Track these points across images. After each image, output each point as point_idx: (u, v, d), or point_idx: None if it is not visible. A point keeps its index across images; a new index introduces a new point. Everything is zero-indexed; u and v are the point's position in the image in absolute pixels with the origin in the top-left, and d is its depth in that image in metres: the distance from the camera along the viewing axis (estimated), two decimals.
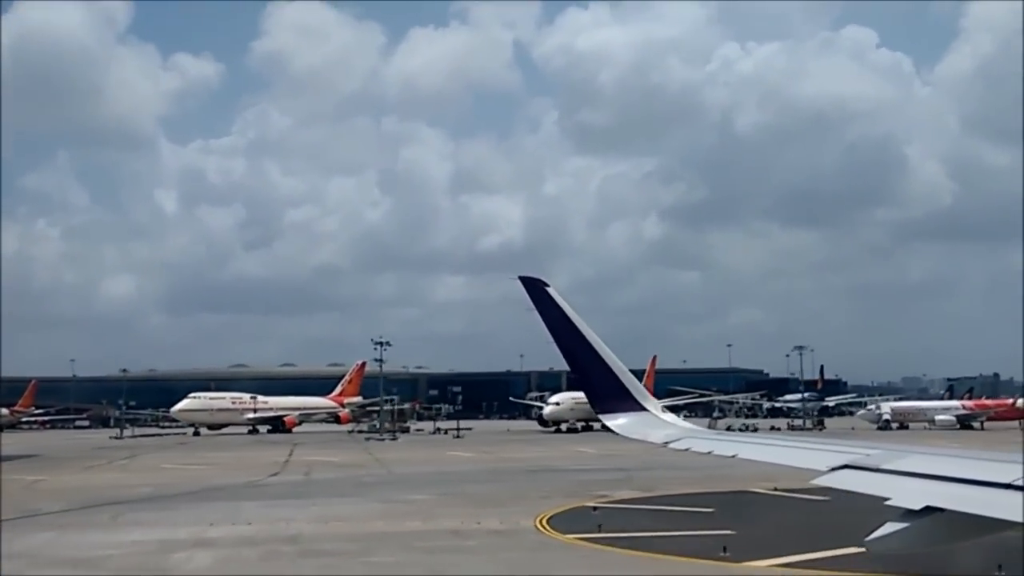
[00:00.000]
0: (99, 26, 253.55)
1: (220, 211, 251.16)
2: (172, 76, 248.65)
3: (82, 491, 37.31)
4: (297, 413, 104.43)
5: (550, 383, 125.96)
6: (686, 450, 10.11)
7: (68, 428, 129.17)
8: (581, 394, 74.97)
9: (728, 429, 55.81)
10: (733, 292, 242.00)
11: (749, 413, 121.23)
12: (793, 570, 18.97)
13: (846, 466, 7.64)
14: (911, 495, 6.40)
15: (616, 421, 11.60)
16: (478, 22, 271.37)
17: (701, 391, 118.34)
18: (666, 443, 10.45)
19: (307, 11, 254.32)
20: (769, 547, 20.95)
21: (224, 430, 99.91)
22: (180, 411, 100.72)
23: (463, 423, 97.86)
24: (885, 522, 6.23)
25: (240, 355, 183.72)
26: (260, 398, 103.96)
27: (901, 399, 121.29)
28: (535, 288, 11.89)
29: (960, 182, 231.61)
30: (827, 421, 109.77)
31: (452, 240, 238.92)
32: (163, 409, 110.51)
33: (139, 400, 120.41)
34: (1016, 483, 5.99)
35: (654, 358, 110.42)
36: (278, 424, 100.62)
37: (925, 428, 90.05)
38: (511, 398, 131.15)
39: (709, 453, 9.70)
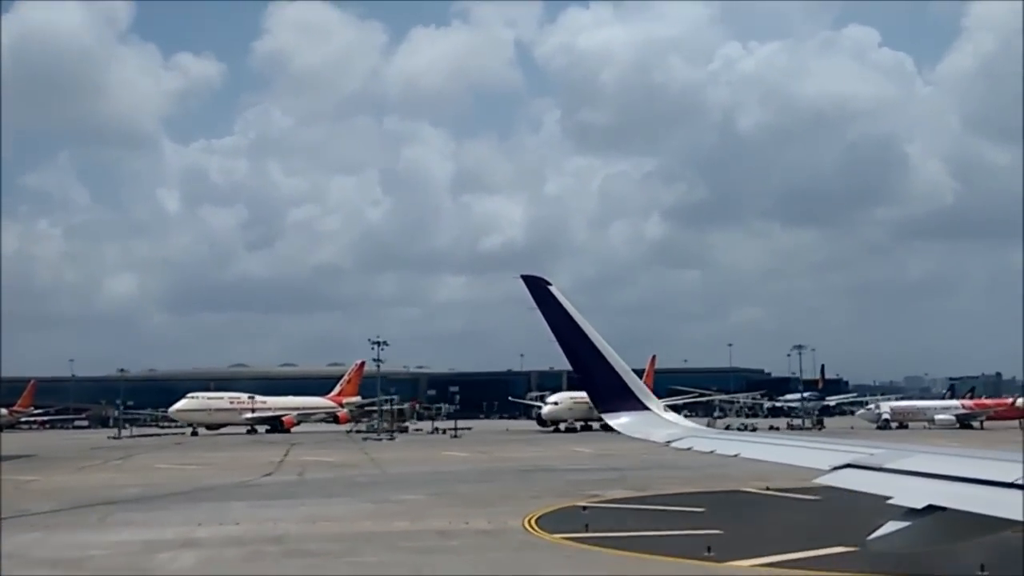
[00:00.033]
0: (100, 26, 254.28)
1: (222, 210, 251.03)
2: (174, 76, 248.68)
3: (74, 491, 37.28)
4: (295, 413, 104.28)
5: (550, 383, 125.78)
6: (688, 449, 10.13)
7: (67, 428, 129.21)
8: (580, 394, 76.20)
9: (727, 429, 55.66)
10: (734, 291, 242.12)
11: (749, 413, 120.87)
12: (776, 570, 18.86)
13: (848, 465, 7.66)
14: (913, 494, 6.38)
15: (618, 420, 11.62)
16: (479, 21, 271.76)
17: (701, 391, 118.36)
18: (668, 442, 10.49)
19: (308, 10, 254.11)
20: (755, 547, 20.84)
21: (222, 430, 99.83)
22: (178, 411, 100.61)
23: (463, 423, 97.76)
24: (886, 521, 6.20)
25: (240, 354, 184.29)
26: (258, 398, 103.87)
27: (902, 399, 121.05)
28: (538, 287, 11.86)
29: (961, 181, 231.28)
30: (827, 420, 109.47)
31: (453, 240, 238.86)
32: (162, 409, 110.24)
33: (138, 400, 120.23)
34: (1018, 482, 6.00)
35: (653, 357, 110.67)
36: (276, 424, 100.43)
37: (924, 427, 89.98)
38: (511, 398, 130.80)
39: (711, 452, 9.74)
